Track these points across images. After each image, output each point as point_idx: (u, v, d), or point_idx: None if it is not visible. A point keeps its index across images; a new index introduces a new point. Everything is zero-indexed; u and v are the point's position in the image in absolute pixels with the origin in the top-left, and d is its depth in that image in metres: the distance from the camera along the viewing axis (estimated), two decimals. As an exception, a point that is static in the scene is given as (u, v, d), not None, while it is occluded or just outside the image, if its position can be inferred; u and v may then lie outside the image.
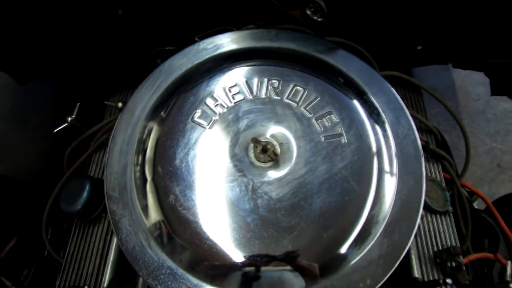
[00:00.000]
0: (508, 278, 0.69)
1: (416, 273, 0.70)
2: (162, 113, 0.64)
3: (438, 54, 1.30)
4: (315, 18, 0.96)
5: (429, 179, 0.84)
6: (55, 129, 0.86)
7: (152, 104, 0.64)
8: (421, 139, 0.82)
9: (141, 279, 0.61)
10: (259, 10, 0.91)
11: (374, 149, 0.59)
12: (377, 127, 0.61)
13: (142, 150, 0.60)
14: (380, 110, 0.63)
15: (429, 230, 0.78)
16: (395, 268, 0.53)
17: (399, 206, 0.56)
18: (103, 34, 1.05)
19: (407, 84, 1.00)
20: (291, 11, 0.96)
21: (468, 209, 0.90)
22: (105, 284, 0.63)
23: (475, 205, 1.12)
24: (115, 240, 0.71)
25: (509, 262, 0.70)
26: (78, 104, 0.87)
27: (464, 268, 0.73)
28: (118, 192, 0.57)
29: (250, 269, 0.51)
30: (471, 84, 2.36)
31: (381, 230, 0.54)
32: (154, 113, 0.64)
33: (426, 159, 0.89)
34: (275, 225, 0.53)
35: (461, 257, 0.73)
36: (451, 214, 0.82)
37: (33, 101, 2.05)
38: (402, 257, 0.53)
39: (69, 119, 0.87)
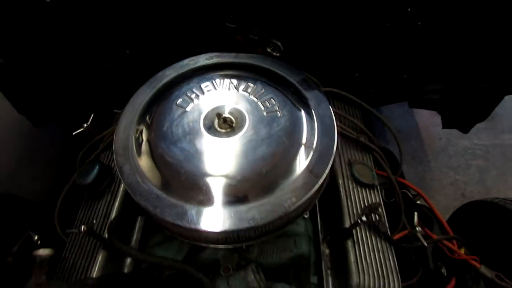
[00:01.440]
0: (416, 224, 0.91)
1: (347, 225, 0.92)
2: (155, 103, 0.92)
3: (389, 93, 1.61)
4: (274, 54, 1.28)
5: (361, 163, 1.09)
6: (73, 133, 1.12)
7: (149, 98, 0.92)
8: (353, 135, 1.10)
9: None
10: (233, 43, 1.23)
11: (301, 119, 0.86)
12: (304, 108, 0.89)
13: (140, 123, 0.87)
14: (307, 98, 0.91)
15: (359, 200, 1.01)
16: (314, 193, 0.77)
17: (317, 154, 0.81)
18: (113, 70, 1.36)
19: (348, 100, 1.27)
20: (255, 49, 1.29)
21: (400, 194, 1.13)
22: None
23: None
24: (115, 210, 0.95)
25: (416, 213, 0.92)
26: (93, 114, 1.15)
27: (384, 220, 0.96)
28: (122, 149, 0.82)
29: (209, 185, 0.75)
30: (433, 125, 2.68)
31: (304, 167, 0.79)
32: (150, 103, 0.91)
33: (359, 151, 1.14)
34: (229, 165, 0.78)
35: (380, 209, 0.95)
36: (378, 187, 1.05)
37: (42, 143, 2.33)
38: (320, 182, 0.76)
39: (85, 125, 1.13)
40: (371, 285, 0.86)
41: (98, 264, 0.89)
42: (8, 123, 2.27)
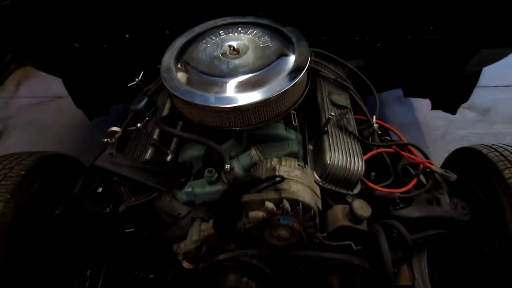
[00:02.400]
0: (375, 129, 1.25)
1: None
2: (187, 44, 1.34)
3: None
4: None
5: (338, 94, 1.45)
6: (128, 84, 1.54)
7: (183, 41, 1.35)
8: (332, 77, 1.47)
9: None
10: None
11: (285, 46, 1.26)
12: (288, 41, 1.29)
13: (177, 56, 1.29)
14: (290, 37, 1.31)
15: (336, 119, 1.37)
16: (293, 88, 1.14)
17: (295, 65, 1.19)
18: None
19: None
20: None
21: (370, 116, 1.46)
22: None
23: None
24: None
25: (375, 117, 1.26)
26: (142, 72, 1.57)
27: (353, 123, 1.30)
28: (165, 70, 1.24)
29: (223, 83, 1.14)
30: (432, 119, 2.99)
31: (287, 72, 1.17)
32: (185, 44, 1.34)
33: (338, 88, 1.50)
34: (235, 71, 1.18)
35: (348, 115, 1.30)
36: (350, 109, 1.40)
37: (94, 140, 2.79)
38: (296, 80, 1.14)
39: (137, 79, 1.56)
40: (340, 162, 1.19)
41: (148, 155, 1.27)
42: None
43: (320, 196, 1.08)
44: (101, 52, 1.83)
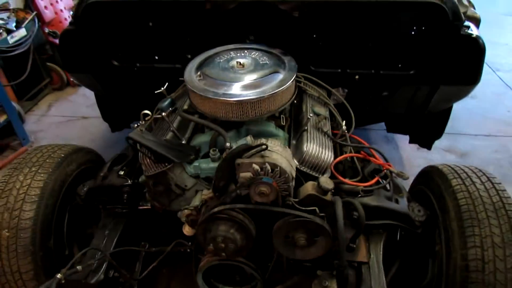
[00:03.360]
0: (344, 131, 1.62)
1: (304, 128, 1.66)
2: (206, 60, 1.77)
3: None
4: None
5: (319, 107, 1.84)
6: (155, 91, 1.95)
7: (203, 58, 1.78)
8: (315, 94, 1.88)
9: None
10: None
11: (278, 66, 1.68)
12: (281, 63, 1.71)
13: (197, 67, 1.71)
14: (284, 60, 1.73)
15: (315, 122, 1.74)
16: (284, 92, 1.54)
17: (284, 77, 1.60)
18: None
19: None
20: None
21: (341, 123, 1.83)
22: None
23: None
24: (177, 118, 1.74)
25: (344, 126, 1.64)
26: (167, 83, 1.99)
27: (328, 126, 1.68)
28: (187, 75, 1.66)
29: (230, 85, 1.55)
30: (414, 158, 3.35)
31: (278, 80, 1.57)
32: (203, 60, 1.77)
33: (320, 105, 1.90)
34: (240, 78, 1.59)
35: (324, 120, 1.68)
36: (328, 118, 1.78)
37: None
38: (287, 85, 1.54)
39: (162, 88, 1.97)
40: (314, 151, 1.55)
41: (167, 137, 1.64)
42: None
43: (295, 169, 1.43)
44: (134, 71, 2.27)
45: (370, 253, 1.63)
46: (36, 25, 3.76)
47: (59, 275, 1.37)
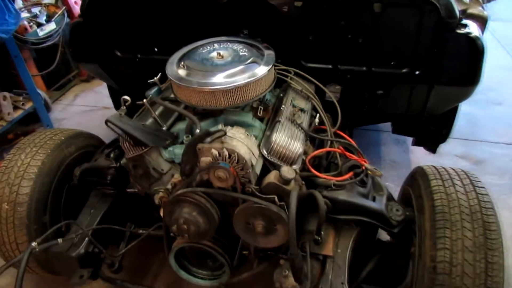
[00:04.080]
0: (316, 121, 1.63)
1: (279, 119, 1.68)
2: (190, 51, 1.84)
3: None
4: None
5: (299, 100, 1.85)
6: (149, 80, 2.05)
7: (188, 49, 1.85)
8: (298, 88, 1.89)
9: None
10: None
11: (257, 57, 1.71)
12: (261, 55, 1.74)
13: (180, 57, 1.78)
14: (263, 50, 1.76)
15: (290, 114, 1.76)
16: (262, 79, 1.57)
17: (260, 69, 1.63)
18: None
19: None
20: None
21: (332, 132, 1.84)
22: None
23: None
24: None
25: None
26: (160, 73, 2.07)
27: (303, 119, 1.69)
28: (169, 64, 1.73)
29: (209, 75, 1.60)
30: (423, 162, 3.19)
31: (256, 69, 1.61)
32: (188, 51, 1.84)
33: (303, 99, 1.91)
34: (216, 68, 1.64)
35: (301, 114, 1.69)
36: (306, 111, 1.79)
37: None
38: (265, 72, 1.57)
39: (155, 78, 2.06)
40: (282, 141, 1.57)
41: (147, 123, 1.73)
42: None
43: (256, 157, 1.46)
44: (136, 62, 2.39)
45: (338, 248, 1.62)
46: (66, 19, 4.02)
47: (33, 244, 1.48)
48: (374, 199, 1.72)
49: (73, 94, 4.52)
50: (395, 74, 2.06)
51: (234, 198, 1.43)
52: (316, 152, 1.71)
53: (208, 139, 1.40)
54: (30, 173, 1.90)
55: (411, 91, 2.17)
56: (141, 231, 1.96)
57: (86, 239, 1.77)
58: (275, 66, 1.84)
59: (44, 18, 3.81)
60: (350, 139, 1.93)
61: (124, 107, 1.67)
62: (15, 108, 3.41)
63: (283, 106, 1.76)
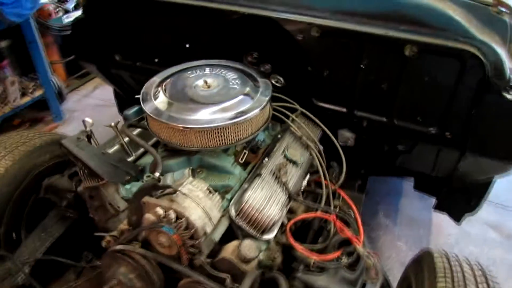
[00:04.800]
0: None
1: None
2: (178, 72, 1.58)
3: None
4: (276, 84, 1.89)
5: (293, 149, 1.55)
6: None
7: (178, 70, 1.59)
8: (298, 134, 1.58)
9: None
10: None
11: (249, 95, 1.42)
12: (254, 92, 1.45)
13: (163, 79, 1.52)
14: (260, 88, 1.47)
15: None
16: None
17: (245, 110, 1.34)
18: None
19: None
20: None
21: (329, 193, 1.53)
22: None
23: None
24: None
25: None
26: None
27: (290, 177, 1.38)
28: (147, 87, 1.48)
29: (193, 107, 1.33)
30: (447, 224, 2.81)
31: (235, 113, 1.33)
32: (177, 72, 1.58)
33: (302, 148, 1.60)
34: (198, 100, 1.37)
35: (286, 167, 1.39)
36: (300, 166, 1.48)
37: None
38: (238, 119, 1.29)
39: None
40: (256, 204, 1.27)
41: (112, 150, 1.48)
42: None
43: (214, 222, 1.17)
44: (134, 69, 2.17)
45: None
46: (95, 9, 3.90)
47: None
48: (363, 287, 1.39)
49: (93, 86, 4.41)
50: (420, 132, 1.70)
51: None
52: (300, 217, 1.40)
53: (157, 193, 1.13)
54: (-11, 180, 1.71)
55: (438, 153, 1.80)
56: (99, 262, 1.72)
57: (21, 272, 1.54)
58: (278, 99, 1.56)
59: (72, 5, 3.71)
60: (352, 204, 1.60)
61: (89, 129, 1.44)
62: (23, 95, 3.31)
63: (273, 156, 1.46)
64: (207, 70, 1.57)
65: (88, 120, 1.44)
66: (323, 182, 1.53)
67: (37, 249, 1.63)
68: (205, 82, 1.46)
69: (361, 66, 1.63)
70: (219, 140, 1.33)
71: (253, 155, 1.54)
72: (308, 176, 1.54)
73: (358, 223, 1.48)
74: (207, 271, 1.12)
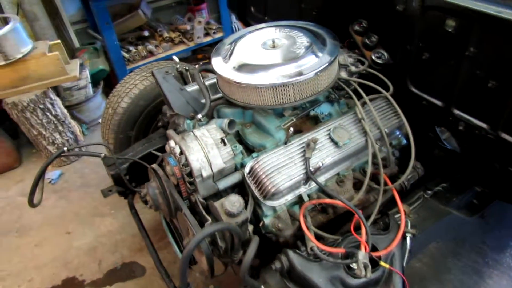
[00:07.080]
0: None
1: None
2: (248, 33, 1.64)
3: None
4: (378, 61, 1.70)
5: (342, 129, 1.42)
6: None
7: (250, 30, 1.65)
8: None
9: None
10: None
11: (316, 50, 1.38)
12: (321, 43, 1.39)
13: (233, 40, 1.61)
14: (327, 41, 1.40)
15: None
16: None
17: (324, 54, 1.32)
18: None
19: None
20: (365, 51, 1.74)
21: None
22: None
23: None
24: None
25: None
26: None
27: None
28: (220, 44, 1.60)
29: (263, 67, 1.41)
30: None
31: (296, 72, 1.32)
32: (246, 33, 1.64)
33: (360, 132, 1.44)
34: (270, 58, 1.41)
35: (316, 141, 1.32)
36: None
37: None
38: (323, 66, 1.30)
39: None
40: (267, 167, 1.28)
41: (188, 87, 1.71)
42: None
43: (213, 171, 1.25)
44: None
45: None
46: None
47: (65, 148, 1.71)
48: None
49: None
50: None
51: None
52: (313, 202, 1.33)
53: (180, 128, 1.30)
54: (132, 92, 2.24)
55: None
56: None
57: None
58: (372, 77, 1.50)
59: None
60: (401, 208, 1.38)
61: (178, 66, 1.70)
62: (207, 34, 3.92)
63: (314, 130, 1.40)
64: (278, 31, 1.57)
65: (175, 58, 1.69)
66: (368, 172, 1.37)
67: (138, 153, 2.07)
68: (273, 41, 1.47)
69: (466, 53, 1.30)
70: (270, 99, 1.36)
71: (308, 125, 1.51)
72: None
73: (362, 228, 1.28)
74: (197, 209, 1.25)
